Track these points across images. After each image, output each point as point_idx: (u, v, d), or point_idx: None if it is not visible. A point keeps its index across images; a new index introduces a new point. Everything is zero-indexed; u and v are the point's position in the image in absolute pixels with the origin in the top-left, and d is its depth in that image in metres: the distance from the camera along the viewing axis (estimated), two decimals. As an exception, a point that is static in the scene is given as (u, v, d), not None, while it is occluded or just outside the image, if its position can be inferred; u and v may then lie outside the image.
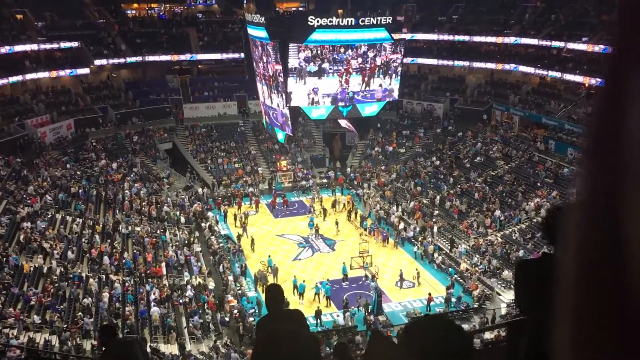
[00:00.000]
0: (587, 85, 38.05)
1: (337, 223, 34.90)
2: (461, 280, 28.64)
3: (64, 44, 44.20)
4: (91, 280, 25.47)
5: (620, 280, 0.52)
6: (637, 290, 0.50)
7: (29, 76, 41.78)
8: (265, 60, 33.62)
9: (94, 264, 27.36)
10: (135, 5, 57.95)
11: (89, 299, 23.90)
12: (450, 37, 47.94)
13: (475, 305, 26.82)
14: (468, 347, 1.71)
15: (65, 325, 21.79)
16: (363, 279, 29.30)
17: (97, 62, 46.05)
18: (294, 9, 59.50)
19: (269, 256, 30.84)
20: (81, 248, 28.24)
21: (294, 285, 27.47)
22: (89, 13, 49.69)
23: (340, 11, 38.48)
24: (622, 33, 0.54)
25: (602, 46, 35.60)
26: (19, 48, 41.36)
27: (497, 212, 33.06)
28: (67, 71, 44.08)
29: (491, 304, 26.81)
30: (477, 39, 46.31)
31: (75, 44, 44.63)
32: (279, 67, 31.40)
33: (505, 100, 43.70)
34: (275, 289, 3.96)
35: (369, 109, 34.21)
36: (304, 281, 27.69)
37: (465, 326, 23.32)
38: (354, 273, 29.56)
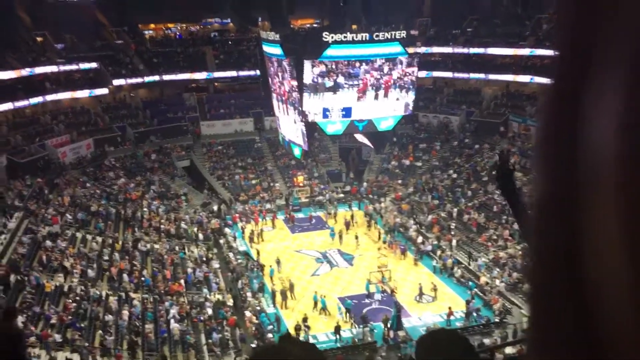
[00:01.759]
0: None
1: (356, 237, 34.78)
2: (481, 294, 28.32)
3: (83, 65, 44.99)
4: (111, 298, 25.63)
5: (575, 287, 0.53)
6: (592, 295, 0.51)
7: (49, 97, 42.51)
8: (280, 77, 33.89)
9: (113, 282, 27.56)
10: (152, 25, 58.92)
11: (109, 316, 24.04)
12: (465, 50, 47.89)
13: (496, 320, 26.47)
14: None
15: (87, 344, 21.92)
16: (382, 294, 29.12)
17: (116, 82, 46.75)
18: (309, 25, 60.04)
19: (270, 266, 31.17)
20: (101, 266, 28.47)
21: (315, 302, 27.35)
22: (107, 34, 50.62)
23: (354, 26, 38.78)
24: (575, 33, 0.54)
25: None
26: (39, 70, 42.18)
27: (516, 225, 32.71)
28: (86, 92, 44.83)
29: (512, 318, 26.43)
30: (492, 51, 46.22)
31: (94, 64, 45.41)
32: (294, 83, 31.61)
33: (522, 112, 43.41)
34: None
35: (385, 123, 34.24)
36: (323, 296, 27.59)
37: (487, 341, 23.03)
38: (373, 288, 29.37)
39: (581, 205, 0.52)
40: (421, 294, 28.43)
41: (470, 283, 29.17)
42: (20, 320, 21.53)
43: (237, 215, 38.77)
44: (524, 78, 44.00)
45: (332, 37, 30.42)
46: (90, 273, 27.22)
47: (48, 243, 28.32)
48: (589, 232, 0.51)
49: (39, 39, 45.64)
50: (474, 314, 26.54)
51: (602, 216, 0.49)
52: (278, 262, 31.79)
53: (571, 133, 0.53)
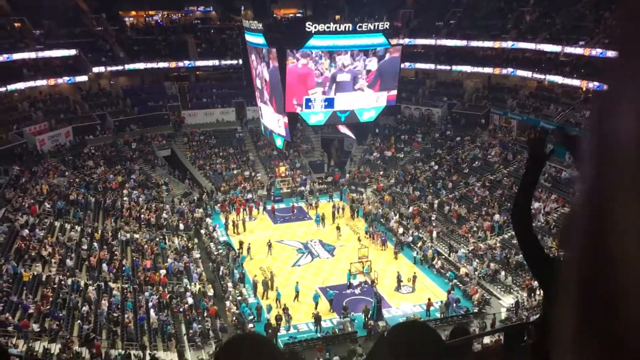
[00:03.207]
0: (584, 89, 38.12)
1: (338, 228, 34.86)
2: (461, 285, 28.61)
3: (62, 52, 44.22)
4: (90, 287, 25.42)
5: (607, 281, 0.53)
6: (622, 293, 0.51)
7: (27, 84, 41.77)
8: (263, 66, 33.65)
9: (92, 271, 27.32)
10: (133, 12, 58.05)
11: (88, 306, 23.85)
12: (448, 42, 47.99)
13: (475, 310, 26.80)
14: (440, 348, 1.73)
15: (68, 336, 21.71)
16: (363, 284, 29.29)
17: (95, 69, 46.06)
18: (292, 15, 59.68)
19: (241, 253, 31.83)
20: (80, 256, 28.19)
21: (296, 292, 27.41)
22: (87, 21, 49.76)
23: (337, 17, 38.61)
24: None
25: (598, 50, 35.69)
26: (17, 56, 41.36)
27: (497, 216, 33.05)
28: (65, 79, 44.08)
29: (491, 309, 26.78)
30: (474, 43, 46.36)
31: (73, 51, 44.65)
32: (276, 73, 31.41)
33: (503, 105, 43.76)
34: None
35: (367, 115, 34.21)
36: (316, 291, 27.82)
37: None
38: (354, 279, 29.53)
39: (611, 194, 0.53)
40: (399, 283, 28.67)
41: (449, 274, 29.45)
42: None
43: (223, 204, 38.69)
44: (506, 71, 44.30)
45: (315, 27, 30.24)
46: (69, 262, 26.96)
47: (26, 232, 27.96)
48: (615, 223, 0.51)
49: (16, 24, 44.70)
50: (454, 305, 26.83)
51: (625, 204, 0.50)
52: (270, 245, 32.36)
53: (606, 122, 0.54)
